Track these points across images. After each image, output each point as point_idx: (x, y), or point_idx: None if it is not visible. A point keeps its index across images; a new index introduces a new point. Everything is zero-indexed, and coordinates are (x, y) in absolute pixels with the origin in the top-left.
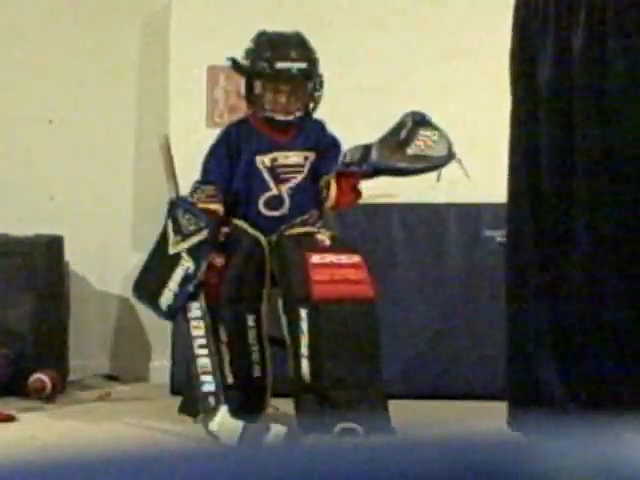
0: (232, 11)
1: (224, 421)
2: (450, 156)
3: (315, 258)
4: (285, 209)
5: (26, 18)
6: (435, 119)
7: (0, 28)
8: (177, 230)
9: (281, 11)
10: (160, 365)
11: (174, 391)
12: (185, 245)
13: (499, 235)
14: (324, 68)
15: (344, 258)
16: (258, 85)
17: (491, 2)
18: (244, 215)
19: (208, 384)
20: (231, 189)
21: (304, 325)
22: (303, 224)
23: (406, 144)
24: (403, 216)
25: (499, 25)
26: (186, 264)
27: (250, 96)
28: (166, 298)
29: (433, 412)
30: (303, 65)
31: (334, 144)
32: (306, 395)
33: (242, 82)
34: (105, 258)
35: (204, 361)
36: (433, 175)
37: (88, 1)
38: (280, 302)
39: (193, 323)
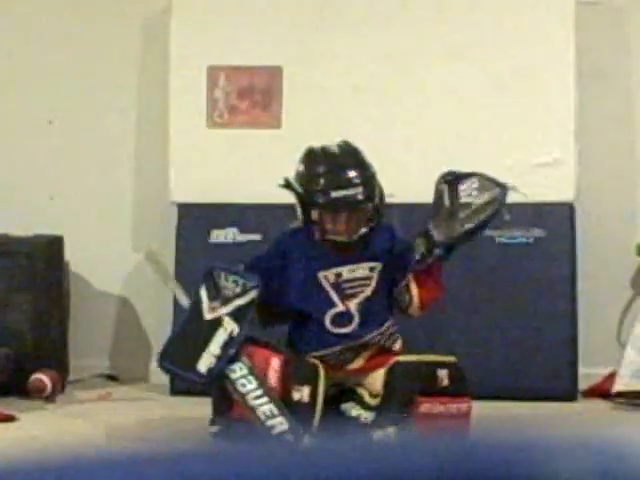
0: (232, 11)
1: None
2: (503, 190)
3: (424, 407)
4: (355, 325)
5: (26, 18)
6: (435, 119)
7: (0, 28)
8: (215, 296)
9: (281, 11)
10: None
11: (174, 391)
12: (227, 309)
13: (499, 235)
14: (324, 68)
15: (454, 409)
16: (315, 213)
17: (491, 2)
18: (306, 334)
19: (280, 425)
20: (294, 307)
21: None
22: (376, 342)
23: (456, 208)
24: (403, 216)
25: (500, 25)
26: (229, 327)
27: (308, 221)
28: (206, 362)
29: None
30: (360, 190)
31: (408, 248)
32: None
33: (296, 207)
34: (105, 258)
35: (266, 408)
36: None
37: (88, 1)
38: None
39: (241, 381)
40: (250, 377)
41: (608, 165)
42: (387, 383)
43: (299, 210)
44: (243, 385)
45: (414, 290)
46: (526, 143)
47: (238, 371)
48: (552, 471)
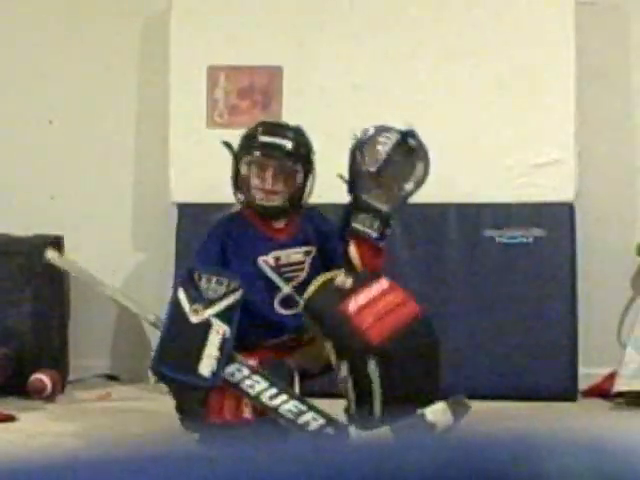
0: (232, 11)
1: (362, 436)
2: (404, 133)
3: (351, 305)
4: (299, 307)
5: (26, 18)
6: (435, 119)
7: (0, 28)
8: (196, 298)
9: (281, 11)
10: None
11: None
12: (212, 311)
13: (499, 235)
14: (324, 68)
15: (374, 290)
16: (242, 164)
17: (491, 2)
18: (253, 324)
19: (314, 420)
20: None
21: (374, 376)
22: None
23: (382, 173)
24: (403, 216)
25: (500, 25)
26: (220, 329)
27: (237, 180)
28: (207, 365)
29: None
30: (290, 144)
31: (334, 229)
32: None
33: (232, 166)
34: (105, 258)
35: (290, 405)
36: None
37: (88, 1)
38: (332, 354)
39: (247, 383)
40: (255, 377)
41: (608, 165)
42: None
43: (231, 170)
44: (251, 387)
45: (356, 260)
46: (526, 143)
47: (237, 373)
48: (552, 471)
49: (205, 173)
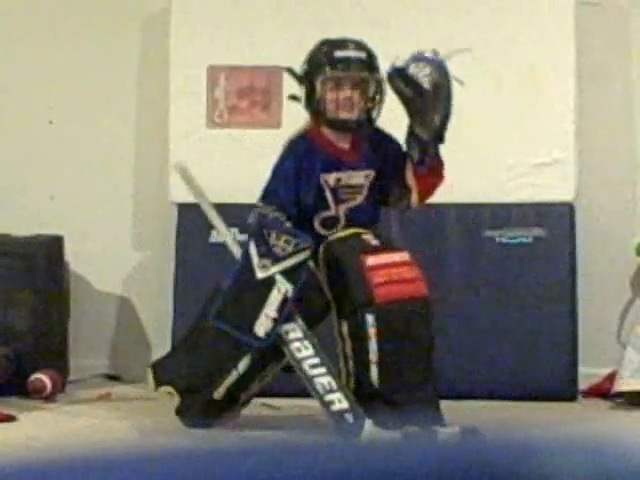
0: (232, 11)
1: (374, 434)
2: (439, 58)
3: (371, 260)
4: (339, 229)
5: (26, 18)
6: None
7: (0, 28)
8: (266, 253)
9: (281, 11)
10: None
11: None
12: (279, 268)
13: (499, 235)
14: None
15: (396, 257)
16: (318, 84)
17: (491, 2)
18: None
19: (339, 402)
20: (296, 208)
21: (372, 331)
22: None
23: (424, 99)
24: (403, 216)
25: (500, 25)
26: (283, 287)
27: (311, 102)
28: (263, 325)
29: None
30: (363, 55)
31: (399, 149)
32: (374, 400)
33: (302, 91)
34: (105, 258)
35: (325, 380)
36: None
37: (88, 1)
38: (334, 306)
39: (296, 345)
40: (306, 342)
41: (608, 165)
42: (328, 259)
43: (302, 93)
44: (299, 350)
45: (411, 182)
46: (526, 143)
47: (291, 333)
48: (552, 471)
49: (205, 173)
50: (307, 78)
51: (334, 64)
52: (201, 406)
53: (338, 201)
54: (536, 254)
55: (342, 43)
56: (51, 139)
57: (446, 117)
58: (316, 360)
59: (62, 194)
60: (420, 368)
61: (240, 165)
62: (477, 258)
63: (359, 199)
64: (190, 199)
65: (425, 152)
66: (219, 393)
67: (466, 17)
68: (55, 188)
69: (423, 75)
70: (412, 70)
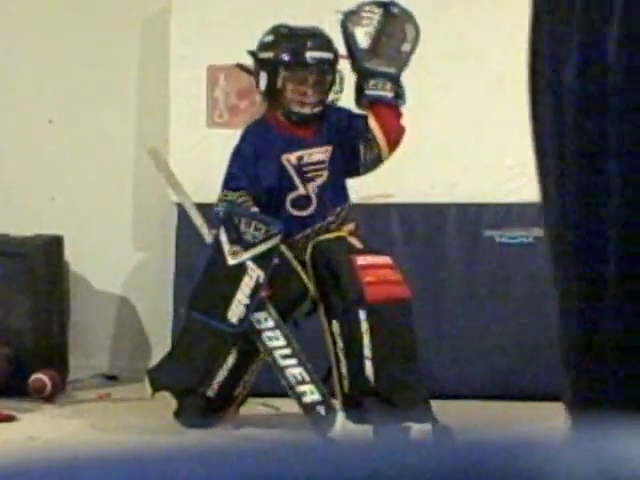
0: (232, 11)
1: (346, 427)
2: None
3: (360, 260)
4: (312, 209)
5: (26, 18)
6: (435, 119)
7: (0, 28)
8: (235, 239)
9: (281, 11)
10: None
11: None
12: (249, 254)
13: (499, 235)
14: None
15: (380, 260)
16: (281, 78)
17: (491, 2)
18: (265, 211)
19: (310, 394)
20: (261, 190)
21: (364, 326)
22: (328, 228)
23: (366, 46)
24: (402, 216)
25: (500, 24)
26: (254, 274)
27: (271, 91)
28: (236, 312)
29: None
30: (329, 55)
31: (356, 117)
32: (370, 397)
33: (262, 77)
34: (105, 258)
35: (296, 371)
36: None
37: (88, 1)
38: (322, 306)
39: (267, 334)
40: (277, 332)
41: None
42: (319, 258)
43: (263, 83)
44: (269, 339)
45: (377, 131)
46: (526, 143)
47: (263, 322)
48: (551, 471)
49: (205, 173)
50: (267, 65)
51: (303, 63)
52: (198, 406)
53: (304, 180)
54: (536, 254)
55: (311, 42)
56: (51, 139)
57: (415, 43)
58: (287, 351)
59: (62, 194)
60: (412, 368)
61: None
62: (477, 258)
63: (325, 175)
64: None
65: (399, 85)
66: (213, 390)
67: (466, 16)
68: (55, 188)
69: (377, 17)
70: (365, 15)
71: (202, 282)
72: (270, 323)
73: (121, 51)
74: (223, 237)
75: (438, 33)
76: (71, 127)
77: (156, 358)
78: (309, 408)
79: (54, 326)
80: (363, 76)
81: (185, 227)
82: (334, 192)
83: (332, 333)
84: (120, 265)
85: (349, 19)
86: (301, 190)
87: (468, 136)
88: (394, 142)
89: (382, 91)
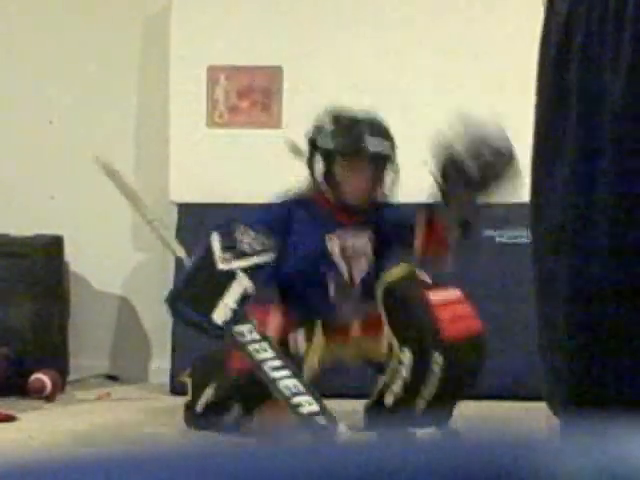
0: (232, 11)
1: (348, 436)
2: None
3: (434, 296)
4: (357, 294)
5: (26, 18)
6: (435, 119)
7: (0, 28)
8: (228, 247)
9: (281, 11)
10: (160, 365)
11: (174, 391)
12: (241, 263)
13: (499, 235)
14: (324, 68)
15: (452, 295)
16: (337, 167)
17: (491, 2)
18: (304, 300)
19: (308, 405)
20: (298, 270)
21: (436, 369)
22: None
23: (474, 176)
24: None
25: (500, 23)
26: (244, 282)
27: (325, 178)
28: (221, 314)
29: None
30: (388, 148)
31: (405, 218)
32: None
33: (317, 163)
34: (105, 258)
35: (290, 382)
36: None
37: (88, 1)
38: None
39: (253, 346)
40: (264, 344)
41: None
42: (391, 297)
43: (319, 167)
44: (257, 351)
45: (419, 240)
46: (526, 143)
47: (247, 334)
48: (551, 471)
49: (205, 173)
50: (324, 153)
51: (362, 155)
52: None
53: (347, 263)
54: None
55: (373, 131)
56: (51, 139)
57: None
58: (277, 362)
59: (62, 194)
60: (459, 399)
61: (240, 165)
62: (477, 258)
63: (366, 261)
64: (190, 199)
65: (466, 227)
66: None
67: (466, 16)
68: (55, 188)
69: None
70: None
71: (189, 277)
72: (255, 336)
73: (121, 51)
74: (216, 242)
75: (438, 32)
76: (71, 127)
77: (156, 358)
78: (307, 419)
79: (54, 326)
80: (443, 199)
81: (185, 227)
82: (377, 275)
83: (400, 359)
84: (120, 265)
85: (468, 145)
86: (345, 275)
87: None
88: (429, 254)
89: (450, 221)
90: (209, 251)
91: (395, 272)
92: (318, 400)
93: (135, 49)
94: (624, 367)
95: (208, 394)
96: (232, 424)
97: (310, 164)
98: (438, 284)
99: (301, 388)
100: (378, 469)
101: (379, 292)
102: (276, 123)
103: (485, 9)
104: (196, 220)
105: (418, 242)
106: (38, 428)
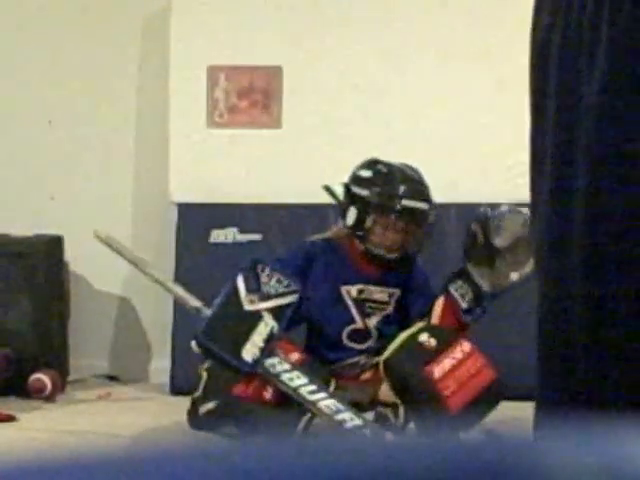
0: (232, 11)
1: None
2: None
3: (436, 370)
4: (371, 342)
5: (26, 18)
6: (435, 119)
7: (0, 28)
8: (254, 289)
9: (281, 11)
10: (160, 365)
11: (174, 391)
12: (267, 305)
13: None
14: (324, 68)
15: (458, 354)
16: (370, 218)
17: (491, 2)
18: (322, 344)
19: (351, 420)
20: (315, 317)
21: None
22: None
23: (494, 253)
24: None
25: (500, 24)
26: (270, 323)
27: (357, 227)
28: (250, 352)
29: None
30: (424, 206)
31: (425, 280)
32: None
33: (351, 211)
34: (105, 258)
35: (329, 402)
36: None
37: (88, 1)
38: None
39: (287, 376)
40: (296, 372)
41: None
42: (390, 377)
43: (352, 217)
44: (291, 379)
45: (437, 312)
46: (526, 143)
47: (278, 365)
48: (551, 471)
49: (205, 173)
50: (358, 202)
51: (396, 210)
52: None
53: (364, 314)
54: None
55: (412, 189)
56: (51, 139)
57: (524, 278)
58: (313, 387)
59: (62, 194)
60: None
61: (240, 165)
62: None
63: (384, 313)
64: (190, 199)
65: (479, 304)
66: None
67: (466, 17)
68: (55, 188)
69: (503, 230)
70: (512, 218)
71: (217, 317)
72: (286, 366)
73: (121, 51)
74: (241, 284)
75: (438, 32)
76: (71, 127)
77: (156, 358)
78: (355, 431)
79: (54, 326)
80: (459, 272)
81: (185, 227)
82: (395, 327)
83: (406, 420)
84: (120, 265)
85: (494, 215)
86: (359, 324)
87: (468, 136)
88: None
89: (461, 298)
90: (235, 292)
91: (394, 344)
92: (359, 416)
93: (135, 49)
94: (624, 367)
95: (210, 406)
96: (231, 434)
97: (344, 210)
98: (446, 342)
99: (340, 406)
100: (375, 468)
101: (380, 365)
102: (276, 123)
103: (485, 9)
104: (196, 220)
105: (435, 319)
106: (38, 428)
